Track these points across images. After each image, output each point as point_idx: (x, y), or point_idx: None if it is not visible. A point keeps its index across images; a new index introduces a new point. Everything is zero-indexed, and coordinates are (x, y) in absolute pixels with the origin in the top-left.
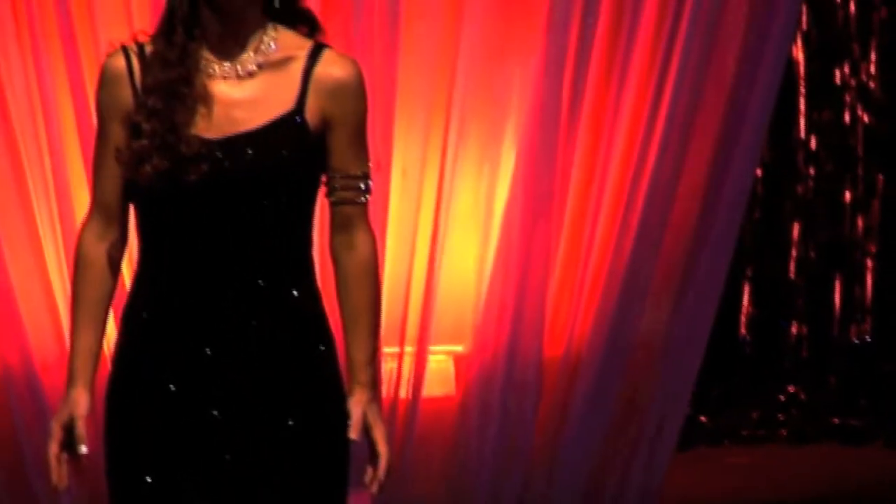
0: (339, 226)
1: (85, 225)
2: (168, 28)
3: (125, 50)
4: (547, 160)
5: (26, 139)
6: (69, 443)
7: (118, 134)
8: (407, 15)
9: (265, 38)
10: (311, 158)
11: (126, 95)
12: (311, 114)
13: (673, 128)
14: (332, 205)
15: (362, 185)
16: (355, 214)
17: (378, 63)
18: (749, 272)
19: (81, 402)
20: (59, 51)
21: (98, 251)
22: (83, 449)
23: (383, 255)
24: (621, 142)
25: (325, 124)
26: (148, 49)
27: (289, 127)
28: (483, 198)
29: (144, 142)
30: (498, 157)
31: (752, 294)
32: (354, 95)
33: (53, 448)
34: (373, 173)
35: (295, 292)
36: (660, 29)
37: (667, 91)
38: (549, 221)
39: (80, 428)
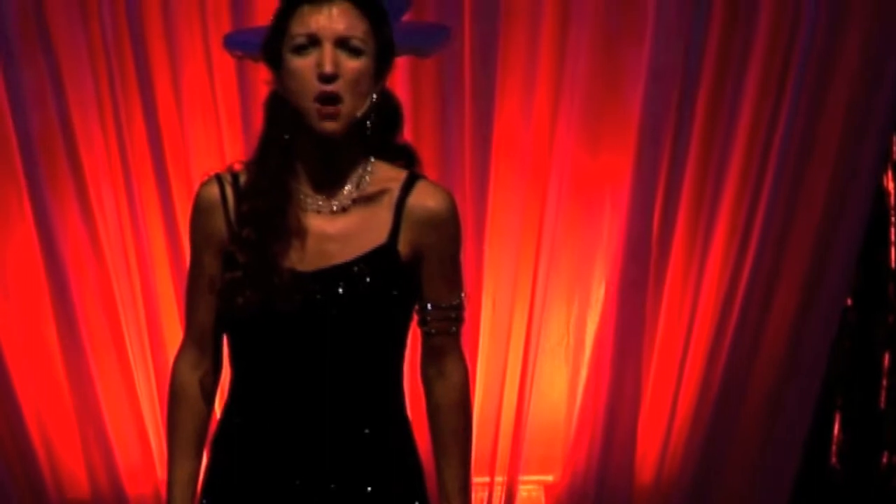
0: (432, 354)
1: (179, 355)
2: (264, 158)
3: (219, 179)
4: (637, 290)
5: (118, 271)
6: None
7: (211, 263)
8: (497, 145)
9: (361, 173)
10: (404, 290)
11: (220, 225)
12: (403, 245)
13: (763, 257)
14: (425, 334)
15: (454, 315)
16: (447, 344)
17: (469, 193)
18: (839, 401)
19: None
20: (152, 184)
21: (193, 380)
22: None
23: (474, 384)
24: (712, 271)
25: (418, 255)
26: (242, 178)
27: (381, 259)
28: (573, 328)
29: (238, 273)
30: (588, 288)
31: (842, 423)
32: (447, 226)
33: None
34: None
35: (384, 424)
36: (751, 155)
37: (758, 219)
38: (639, 351)
39: None
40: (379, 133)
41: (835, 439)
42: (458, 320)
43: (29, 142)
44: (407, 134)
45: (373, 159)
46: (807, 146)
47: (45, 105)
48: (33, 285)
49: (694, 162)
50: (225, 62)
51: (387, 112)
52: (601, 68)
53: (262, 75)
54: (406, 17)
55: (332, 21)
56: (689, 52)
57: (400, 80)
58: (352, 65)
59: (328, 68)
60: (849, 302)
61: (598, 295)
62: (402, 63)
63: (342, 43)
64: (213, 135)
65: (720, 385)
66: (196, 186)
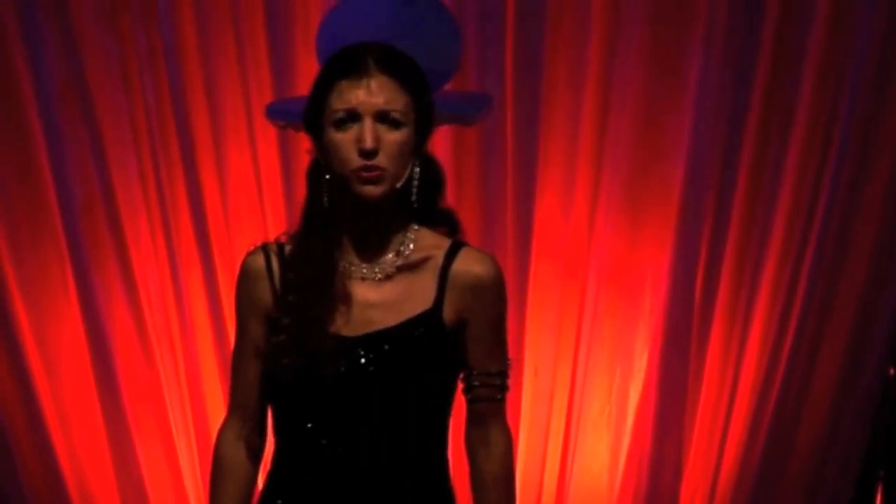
0: (475, 422)
1: (224, 425)
2: (308, 227)
3: (265, 248)
4: (679, 361)
5: (162, 345)
6: None
7: (257, 331)
8: (540, 214)
9: (405, 240)
10: (448, 356)
11: (265, 293)
12: (448, 311)
13: (805, 330)
14: (469, 401)
15: (499, 382)
16: (492, 411)
17: (511, 263)
18: (881, 473)
19: None
20: (196, 260)
21: (236, 451)
22: None
23: (515, 453)
24: (753, 342)
25: (463, 321)
26: (287, 248)
27: (426, 325)
28: (615, 398)
29: (283, 337)
30: (630, 358)
31: (884, 495)
32: (492, 292)
33: None
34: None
35: (428, 491)
36: (792, 227)
37: (799, 291)
38: (680, 421)
39: None
40: (422, 197)
41: None
42: (503, 388)
43: (74, 222)
44: (448, 195)
45: (416, 226)
46: (848, 217)
47: (90, 186)
48: (79, 365)
49: (735, 234)
50: (268, 136)
51: (429, 176)
52: (641, 143)
53: (304, 146)
54: (448, 86)
55: (371, 95)
56: (730, 126)
57: (442, 151)
58: (392, 137)
59: (369, 144)
60: (891, 372)
61: (640, 364)
62: (443, 133)
63: (382, 116)
64: (256, 213)
65: (762, 455)
66: (239, 262)
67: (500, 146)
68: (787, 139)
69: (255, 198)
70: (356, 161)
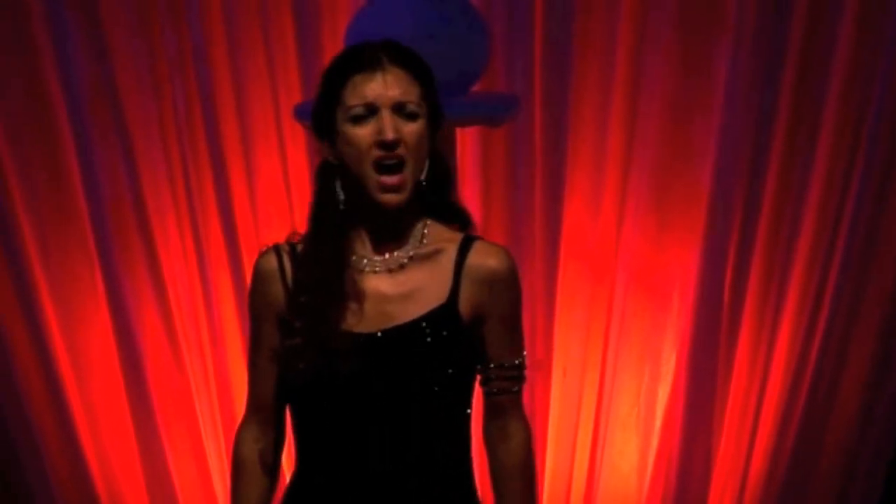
0: (493, 414)
1: (242, 427)
2: (318, 226)
3: (277, 249)
4: (708, 361)
5: (191, 345)
6: None
7: (271, 333)
8: (568, 216)
9: (418, 234)
10: (466, 350)
11: (278, 294)
12: (464, 304)
13: (833, 329)
14: (486, 394)
15: (516, 374)
16: (509, 403)
17: (540, 265)
18: None
19: None
20: (224, 262)
21: (255, 453)
22: None
23: (544, 454)
24: (782, 343)
25: (479, 314)
26: (299, 248)
27: (442, 319)
28: (644, 398)
29: (297, 339)
30: (658, 358)
31: None
32: (507, 284)
33: None
34: (533, 370)
35: (451, 491)
36: (822, 228)
37: (828, 291)
38: (709, 421)
39: None
40: (432, 193)
41: None
42: (520, 379)
43: (103, 226)
44: (476, 198)
45: (429, 221)
46: (877, 219)
47: (119, 190)
48: (108, 368)
49: (763, 236)
50: (297, 138)
51: (438, 171)
52: (669, 145)
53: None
54: (476, 87)
55: (387, 88)
56: (758, 127)
57: (470, 153)
58: (410, 129)
59: (390, 135)
60: None
61: (669, 366)
62: (471, 135)
63: (399, 108)
64: (286, 216)
65: (791, 456)
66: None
67: (528, 148)
68: (815, 140)
69: (284, 200)
70: (375, 154)
